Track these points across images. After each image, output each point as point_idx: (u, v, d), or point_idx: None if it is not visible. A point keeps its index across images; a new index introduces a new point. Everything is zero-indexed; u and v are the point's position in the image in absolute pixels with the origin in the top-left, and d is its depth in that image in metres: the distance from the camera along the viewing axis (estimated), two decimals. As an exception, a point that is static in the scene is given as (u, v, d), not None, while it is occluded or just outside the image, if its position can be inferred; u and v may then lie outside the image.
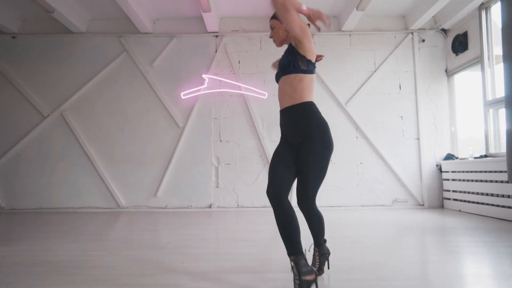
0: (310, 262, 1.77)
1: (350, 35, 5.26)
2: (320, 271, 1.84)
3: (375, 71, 5.20)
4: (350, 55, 5.24)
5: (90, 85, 5.21)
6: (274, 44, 1.93)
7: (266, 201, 4.86)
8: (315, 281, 1.50)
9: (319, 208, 1.82)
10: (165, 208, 5.05)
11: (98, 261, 2.22)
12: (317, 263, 1.83)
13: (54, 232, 3.28)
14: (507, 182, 3.65)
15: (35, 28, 5.27)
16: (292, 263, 1.55)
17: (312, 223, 1.79)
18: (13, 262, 2.20)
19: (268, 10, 5.04)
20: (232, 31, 5.28)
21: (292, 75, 1.70)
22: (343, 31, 5.20)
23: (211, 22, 4.93)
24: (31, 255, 2.36)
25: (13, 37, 5.20)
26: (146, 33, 5.22)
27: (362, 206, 5.02)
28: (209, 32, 5.23)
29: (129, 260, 2.23)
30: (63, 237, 3.00)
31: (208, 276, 1.88)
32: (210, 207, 5.04)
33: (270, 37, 1.91)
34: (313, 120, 1.69)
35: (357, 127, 5.14)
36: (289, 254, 1.56)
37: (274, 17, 1.86)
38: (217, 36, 5.27)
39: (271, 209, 1.66)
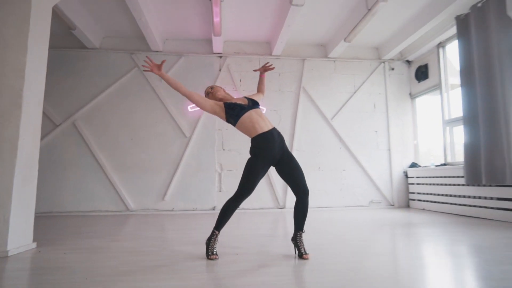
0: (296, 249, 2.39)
1: (334, 61, 6.20)
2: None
3: (354, 92, 6.17)
4: (335, 78, 6.17)
5: (102, 97, 5.59)
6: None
7: (263, 203, 5.54)
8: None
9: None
10: (172, 210, 5.51)
11: (116, 247, 2.76)
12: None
13: (76, 233, 3.67)
14: (463, 184, 4.68)
15: (52, 43, 5.53)
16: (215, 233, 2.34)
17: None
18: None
19: (266, 36, 5.85)
20: (235, 53, 5.99)
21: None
22: (329, 57, 6.13)
23: (217, 44, 5.59)
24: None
25: (28, 49, 5.43)
26: (157, 51, 5.76)
27: (345, 206, 5.87)
28: (214, 53, 5.89)
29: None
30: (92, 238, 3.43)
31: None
32: (213, 209, 5.59)
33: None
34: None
35: (340, 139, 6.03)
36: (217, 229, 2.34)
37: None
38: (221, 57, 5.94)
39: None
